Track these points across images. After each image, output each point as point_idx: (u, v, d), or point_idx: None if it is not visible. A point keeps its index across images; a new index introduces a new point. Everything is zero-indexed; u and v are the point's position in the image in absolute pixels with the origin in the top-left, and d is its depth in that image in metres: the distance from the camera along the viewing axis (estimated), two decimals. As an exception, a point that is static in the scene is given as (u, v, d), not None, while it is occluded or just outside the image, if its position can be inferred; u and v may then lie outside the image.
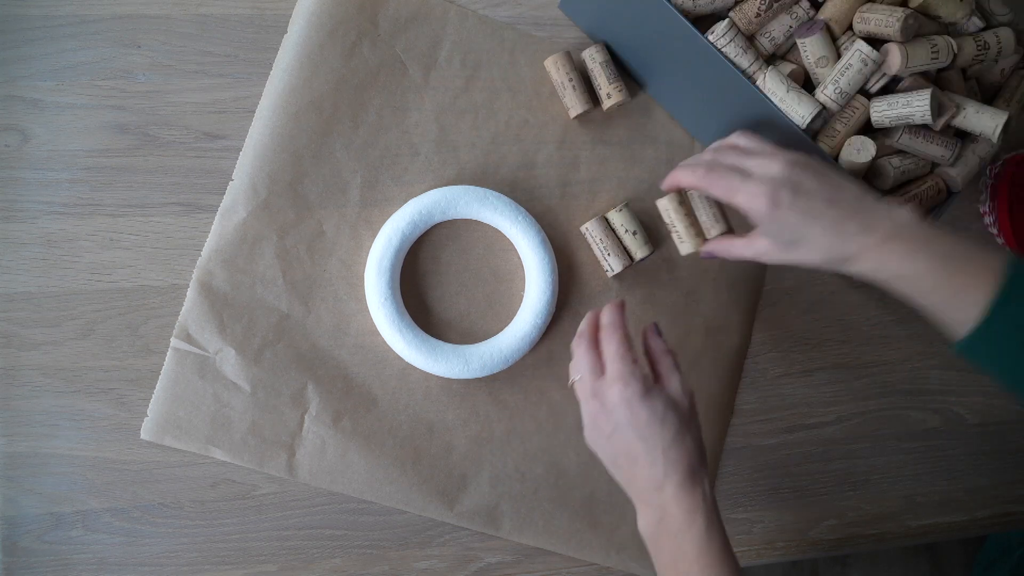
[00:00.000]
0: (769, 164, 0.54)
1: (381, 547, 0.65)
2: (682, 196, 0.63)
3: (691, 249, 0.62)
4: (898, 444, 0.73)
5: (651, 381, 0.54)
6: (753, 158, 0.55)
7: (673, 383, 0.55)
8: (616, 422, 0.53)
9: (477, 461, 0.65)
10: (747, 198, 0.53)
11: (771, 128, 0.61)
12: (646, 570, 0.66)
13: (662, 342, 0.57)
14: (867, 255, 0.51)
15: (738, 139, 0.58)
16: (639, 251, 0.66)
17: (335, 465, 0.63)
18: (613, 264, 0.66)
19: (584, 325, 0.58)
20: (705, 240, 0.62)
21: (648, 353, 0.57)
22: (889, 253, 0.51)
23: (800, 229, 0.52)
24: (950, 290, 0.50)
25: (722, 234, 0.62)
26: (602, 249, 0.66)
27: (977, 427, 0.75)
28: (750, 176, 0.54)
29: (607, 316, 0.56)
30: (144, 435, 0.61)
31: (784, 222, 0.52)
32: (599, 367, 0.55)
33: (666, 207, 0.63)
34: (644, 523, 0.54)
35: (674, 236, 0.63)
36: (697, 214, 0.62)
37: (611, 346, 0.55)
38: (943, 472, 0.74)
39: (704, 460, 0.54)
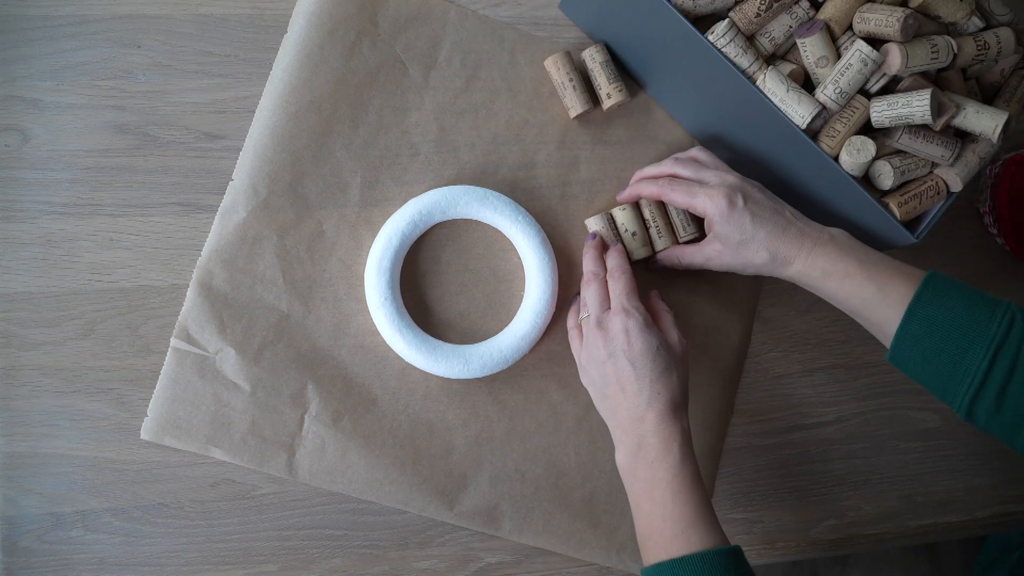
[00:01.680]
0: (724, 175, 0.61)
1: (381, 547, 0.65)
2: None
3: (667, 244, 0.66)
4: (898, 444, 0.73)
5: (651, 321, 0.59)
6: (709, 171, 0.62)
7: (672, 333, 0.60)
8: (612, 349, 0.58)
9: (477, 461, 0.65)
10: (705, 200, 0.60)
11: (771, 128, 0.61)
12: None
13: (664, 304, 0.63)
14: (802, 256, 0.58)
15: (697, 153, 0.65)
16: (639, 251, 0.66)
17: (335, 465, 0.63)
18: None
19: (592, 266, 0.63)
20: (677, 240, 0.67)
21: (651, 311, 0.62)
22: (820, 255, 0.57)
23: (749, 230, 0.59)
24: (874, 287, 0.55)
25: (674, 244, 0.67)
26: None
27: (977, 427, 0.75)
28: (707, 184, 0.61)
29: (613, 260, 0.62)
30: (144, 435, 0.61)
31: (737, 223, 0.59)
32: (607, 304, 0.60)
33: (648, 202, 0.66)
34: (622, 454, 0.57)
35: (653, 231, 0.66)
36: (670, 213, 0.67)
37: (619, 284, 0.60)
38: (943, 472, 0.74)
39: (686, 401, 0.58)
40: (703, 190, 0.60)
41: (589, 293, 0.61)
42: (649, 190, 0.63)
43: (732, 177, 0.61)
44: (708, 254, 0.62)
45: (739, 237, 0.59)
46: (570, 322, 0.64)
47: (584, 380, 0.61)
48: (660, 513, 0.54)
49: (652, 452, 0.55)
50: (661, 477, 0.54)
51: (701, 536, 0.53)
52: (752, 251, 0.59)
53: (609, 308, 0.60)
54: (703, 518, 0.54)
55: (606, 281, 0.61)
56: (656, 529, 0.54)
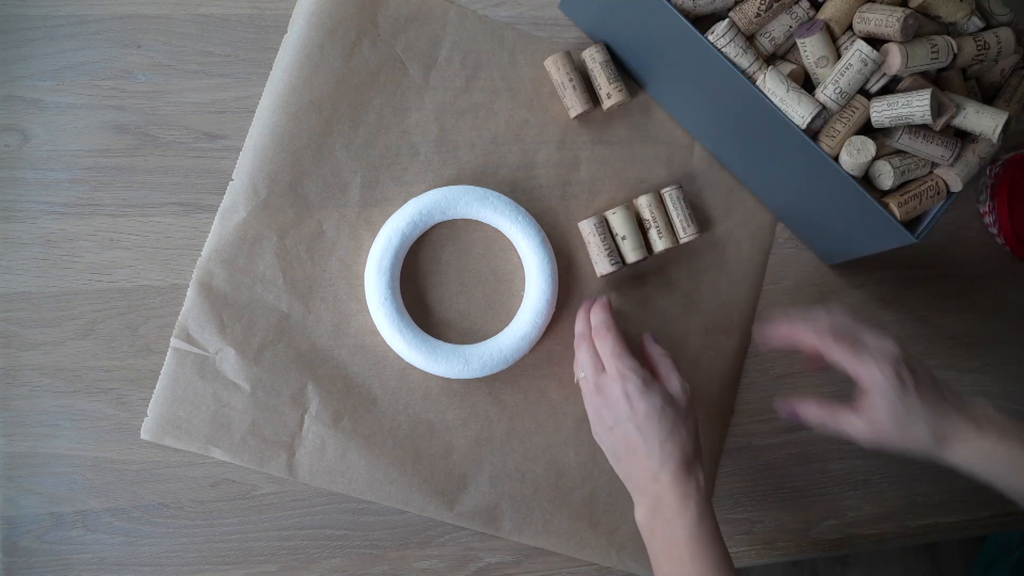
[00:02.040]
0: (885, 342, 0.56)
1: (381, 547, 0.65)
2: (660, 196, 0.67)
3: (668, 244, 0.66)
4: (898, 444, 0.73)
5: (650, 377, 0.57)
6: (866, 332, 0.57)
7: (672, 381, 0.58)
8: (617, 415, 0.57)
9: (477, 461, 0.65)
10: (873, 368, 0.55)
11: (771, 128, 0.61)
12: (646, 570, 0.66)
13: (659, 347, 0.61)
14: (966, 439, 0.55)
15: (842, 314, 0.59)
16: (631, 255, 0.66)
17: (335, 465, 0.63)
18: (600, 267, 0.66)
19: (581, 326, 0.62)
20: (677, 240, 0.67)
21: (647, 358, 0.60)
22: (984, 438, 0.55)
23: (917, 408, 0.55)
24: None
25: (675, 244, 0.66)
26: (596, 249, 0.66)
27: (977, 427, 0.74)
28: (869, 347, 0.56)
29: (597, 317, 0.61)
30: (144, 435, 0.61)
31: (910, 403, 0.55)
32: (601, 365, 0.59)
33: (648, 203, 0.66)
34: (640, 513, 0.56)
35: (653, 232, 0.66)
36: (672, 214, 0.67)
37: (606, 345, 0.59)
38: (943, 472, 0.73)
39: (699, 453, 0.57)
40: (870, 356, 0.55)
41: (581, 355, 0.60)
42: (810, 340, 0.58)
43: (893, 346, 0.56)
44: (861, 427, 0.56)
45: (905, 415, 0.55)
46: (577, 374, 0.62)
47: (596, 439, 0.60)
48: (679, 572, 0.53)
49: (669, 511, 0.54)
50: (679, 536, 0.54)
51: None
52: (915, 431, 0.55)
53: (604, 369, 0.59)
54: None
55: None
56: None
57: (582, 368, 0.60)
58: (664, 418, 0.56)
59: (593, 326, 0.60)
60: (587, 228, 0.66)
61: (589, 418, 0.60)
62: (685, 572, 0.53)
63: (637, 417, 0.56)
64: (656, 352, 0.60)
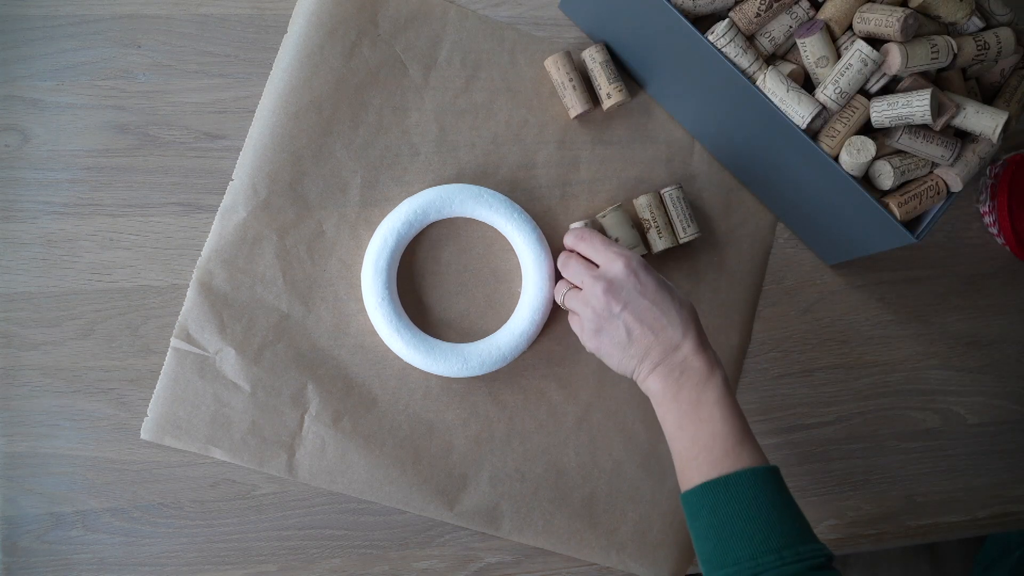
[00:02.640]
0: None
1: (381, 547, 0.65)
2: (660, 196, 0.67)
3: (668, 244, 0.66)
4: (898, 444, 0.73)
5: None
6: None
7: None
8: (626, 296, 0.56)
9: (477, 461, 0.65)
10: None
11: (771, 128, 0.61)
12: (646, 570, 0.66)
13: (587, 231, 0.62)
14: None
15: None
16: None
17: (335, 465, 0.63)
18: None
19: (562, 255, 0.62)
20: (677, 240, 0.67)
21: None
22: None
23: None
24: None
25: (675, 244, 0.67)
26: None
27: (977, 427, 0.75)
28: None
29: (573, 231, 0.62)
30: (144, 435, 0.61)
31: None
32: (593, 265, 0.60)
33: (648, 203, 0.66)
34: (657, 382, 0.56)
35: (653, 232, 0.66)
36: (672, 214, 0.67)
37: (595, 241, 0.60)
38: (943, 472, 0.74)
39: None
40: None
41: (571, 268, 0.61)
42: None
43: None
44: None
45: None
46: (568, 303, 0.61)
47: (593, 345, 0.59)
48: (709, 431, 0.53)
49: (696, 375, 0.55)
50: (709, 397, 0.54)
51: (751, 453, 0.53)
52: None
53: (597, 267, 0.59)
54: (750, 437, 0.54)
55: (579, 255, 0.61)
56: (704, 447, 0.53)
57: (573, 278, 0.60)
58: (672, 290, 0.57)
59: (576, 238, 0.61)
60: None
61: (584, 324, 0.59)
62: (716, 431, 0.53)
63: (647, 290, 0.56)
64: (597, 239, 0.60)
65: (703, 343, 0.56)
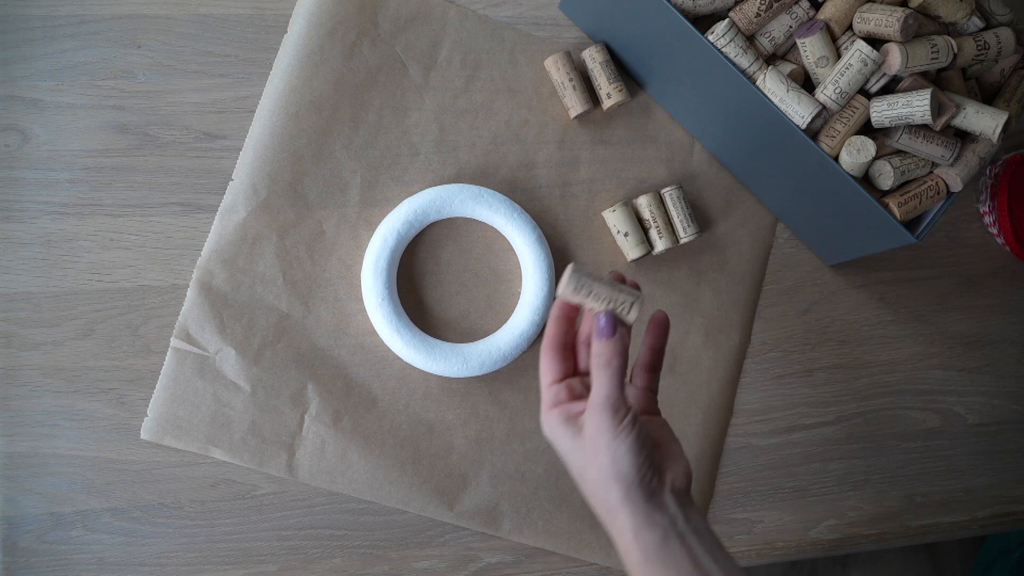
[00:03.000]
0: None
1: (381, 547, 0.65)
2: (660, 195, 0.67)
3: (668, 244, 0.66)
4: (898, 444, 0.73)
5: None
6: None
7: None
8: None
9: (477, 461, 0.65)
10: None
11: (771, 128, 0.61)
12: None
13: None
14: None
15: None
16: (631, 252, 0.66)
17: (335, 465, 0.63)
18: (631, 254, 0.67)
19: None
20: (677, 240, 0.67)
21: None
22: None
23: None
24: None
25: (675, 244, 0.65)
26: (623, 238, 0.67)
27: (977, 427, 0.75)
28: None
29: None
30: (144, 435, 0.61)
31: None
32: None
33: (648, 203, 0.66)
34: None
35: (653, 232, 0.66)
36: (672, 214, 0.67)
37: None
38: (943, 472, 0.74)
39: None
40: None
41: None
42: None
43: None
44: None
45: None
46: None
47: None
48: None
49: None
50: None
51: None
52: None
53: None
54: None
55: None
56: None
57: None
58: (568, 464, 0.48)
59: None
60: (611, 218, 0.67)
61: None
62: None
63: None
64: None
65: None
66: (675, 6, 0.60)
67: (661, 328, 0.51)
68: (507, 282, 0.66)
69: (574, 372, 0.50)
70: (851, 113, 0.60)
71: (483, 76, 0.67)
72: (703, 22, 0.62)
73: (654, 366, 0.51)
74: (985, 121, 0.60)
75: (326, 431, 0.63)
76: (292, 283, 0.63)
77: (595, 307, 0.46)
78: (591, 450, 0.45)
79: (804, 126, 0.59)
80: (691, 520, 0.45)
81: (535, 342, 0.65)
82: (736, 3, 0.61)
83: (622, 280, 0.50)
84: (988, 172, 0.75)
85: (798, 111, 0.59)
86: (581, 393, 0.49)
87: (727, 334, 0.70)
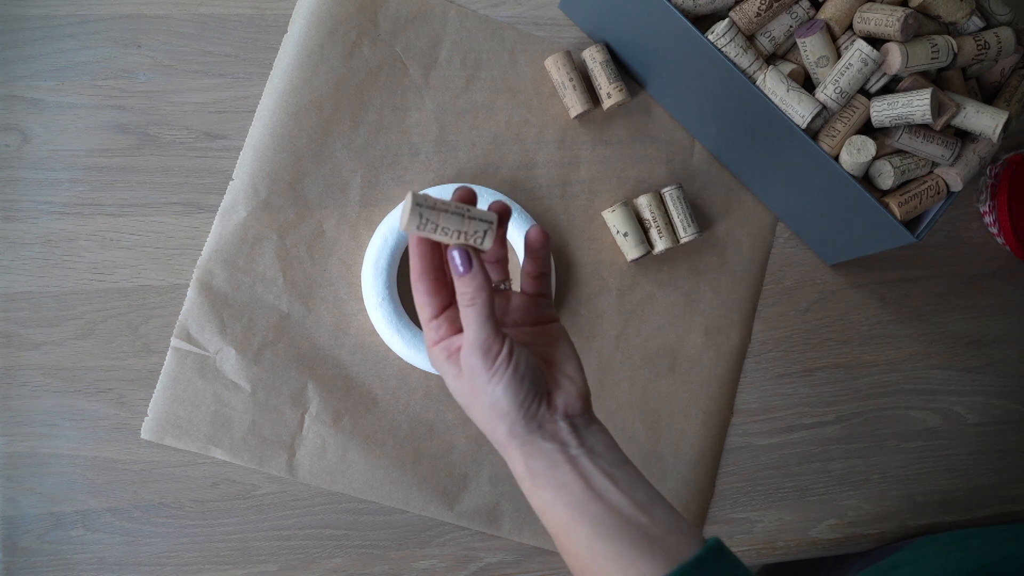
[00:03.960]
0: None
1: (381, 547, 0.65)
2: (660, 195, 0.67)
3: (668, 244, 0.66)
4: (898, 444, 0.73)
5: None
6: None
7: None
8: None
9: (477, 461, 0.65)
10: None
11: (771, 128, 0.61)
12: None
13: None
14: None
15: None
16: (631, 252, 0.66)
17: (335, 465, 0.63)
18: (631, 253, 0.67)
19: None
20: (677, 240, 0.67)
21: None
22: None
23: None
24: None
25: (675, 244, 0.64)
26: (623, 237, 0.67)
27: (977, 427, 0.75)
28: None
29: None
30: (144, 435, 0.61)
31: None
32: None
33: (648, 203, 0.66)
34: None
35: (653, 231, 0.66)
36: (672, 214, 0.67)
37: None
38: (943, 472, 0.74)
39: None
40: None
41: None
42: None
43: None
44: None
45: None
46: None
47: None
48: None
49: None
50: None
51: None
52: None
53: None
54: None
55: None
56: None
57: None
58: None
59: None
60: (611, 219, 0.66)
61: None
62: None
63: None
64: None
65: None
66: (675, 6, 0.60)
67: (537, 241, 0.47)
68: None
69: (451, 301, 0.47)
70: (851, 113, 0.60)
71: (483, 76, 0.67)
72: (703, 22, 0.62)
73: (540, 272, 0.48)
74: (985, 121, 0.60)
75: (326, 431, 0.63)
76: (292, 283, 0.63)
77: (446, 241, 0.43)
78: (470, 390, 0.45)
79: (804, 126, 0.59)
80: (586, 442, 0.45)
81: (535, 342, 0.65)
82: (736, 3, 0.61)
83: (470, 200, 0.46)
84: (988, 172, 0.75)
85: (798, 111, 0.59)
86: (461, 326, 0.47)
87: (727, 334, 0.69)
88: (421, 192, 0.43)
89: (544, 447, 0.44)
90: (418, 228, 0.42)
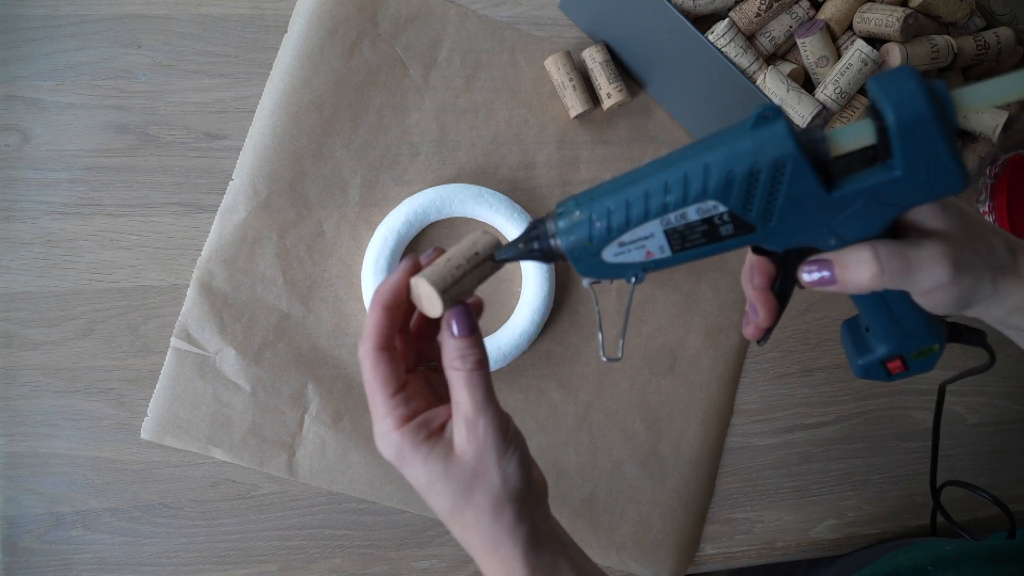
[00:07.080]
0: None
1: (381, 547, 0.65)
2: None
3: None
4: (898, 444, 0.73)
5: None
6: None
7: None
8: None
9: (477, 461, 0.65)
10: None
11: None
12: (646, 570, 0.66)
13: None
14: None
15: None
16: None
17: (335, 465, 0.63)
18: None
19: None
20: None
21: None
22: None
23: (984, 224, 0.41)
24: None
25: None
26: None
27: (977, 427, 0.75)
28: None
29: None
30: (144, 435, 0.61)
31: (972, 216, 0.41)
32: None
33: None
34: None
35: None
36: None
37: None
38: (943, 472, 0.74)
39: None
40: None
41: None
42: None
43: None
44: (929, 257, 0.38)
45: (975, 225, 0.39)
46: None
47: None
48: None
49: None
50: None
51: None
52: (986, 242, 0.39)
53: None
54: None
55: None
56: None
57: None
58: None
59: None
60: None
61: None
62: None
63: None
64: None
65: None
66: (675, 6, 0.60)
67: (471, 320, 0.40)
68: (507, 282, 0.66)
69: (411, 368, 0.42)
70: (851, 113, 0.60)
71: (483, 76, 0.67)
72: (703, 22, 0.62)
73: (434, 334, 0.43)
74: (985, 121, 0.60)
75: (326, 431, 0.63)
76: (292, 283, 0.63)
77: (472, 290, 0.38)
78: (469, 472, 0.37)
79: (804, 126, 0.59)
80: (559, 530, 0.41)
81: (535, 342, 0.65)
82: (736, 3, 0.61)
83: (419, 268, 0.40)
84: (988, 172, 0.75)
85: (798, 111, 0.59)
86: (430, 397, 0.40)
87: (727, 334, 0.70)
88: (426, 269, 0.37)
89: (542, 540, 0.39)
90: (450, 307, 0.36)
